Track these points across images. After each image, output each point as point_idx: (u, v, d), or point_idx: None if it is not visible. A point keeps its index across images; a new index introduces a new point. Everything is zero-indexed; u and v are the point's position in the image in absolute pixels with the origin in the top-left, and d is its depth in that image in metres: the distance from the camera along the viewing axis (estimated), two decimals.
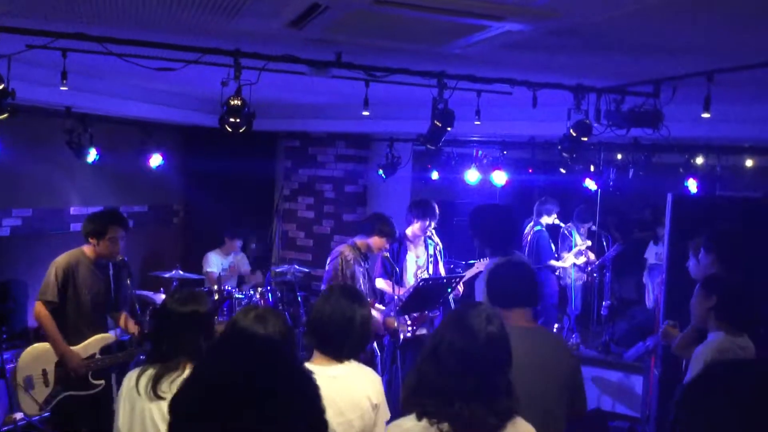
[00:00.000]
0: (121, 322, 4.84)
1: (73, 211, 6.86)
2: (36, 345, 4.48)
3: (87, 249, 4.63)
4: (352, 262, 5.54)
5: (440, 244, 6.04)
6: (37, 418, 5.64)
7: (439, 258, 6.01)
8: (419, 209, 5.91)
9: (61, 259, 4.55)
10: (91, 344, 4.54)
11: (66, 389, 4.46)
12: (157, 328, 2.94)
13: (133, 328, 4.80)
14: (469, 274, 5.88)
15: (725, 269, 4.07)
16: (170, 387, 2.69)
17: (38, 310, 4.50)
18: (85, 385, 4.49)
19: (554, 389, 2.98)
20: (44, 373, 4.41)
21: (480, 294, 4.00)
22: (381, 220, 5.67)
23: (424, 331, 5.72)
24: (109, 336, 4.66)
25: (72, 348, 4.47)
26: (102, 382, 4.61)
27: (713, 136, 6.30)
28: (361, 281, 5.58)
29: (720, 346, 3.49)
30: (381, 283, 5.90)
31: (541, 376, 2.91)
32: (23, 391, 4.35)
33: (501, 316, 2.36)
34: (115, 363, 4.62)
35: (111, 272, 4.70)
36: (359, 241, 5.68)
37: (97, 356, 4.56)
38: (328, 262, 5.68)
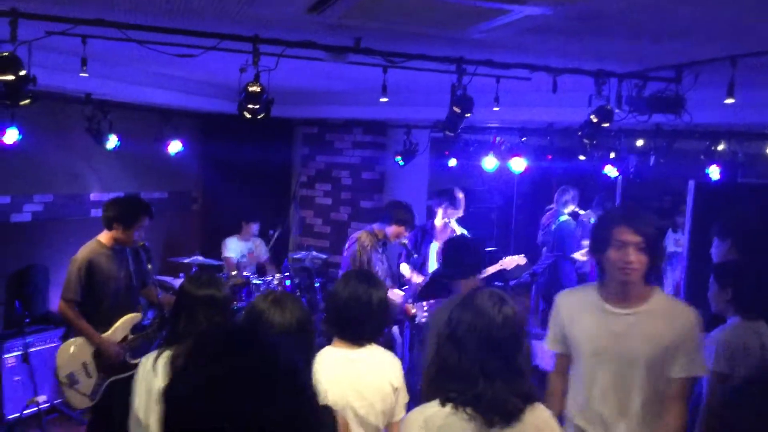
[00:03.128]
0: (151, 297, 4.90)
1: (93, 197, 6.92)
2: (68, 341, 4.51)
3: (103, 237, 4.62)
4: (369, 248, 5.55)
5: (458, 230, 6.02)
6: (59, 401, 5.75)
7: None
8: (439, 198, 5.91)
9: (82, 257, 4.52)
10: (121, 327, 4.57)
11: (110, 375, 4.50)
12: (174, 310, 2.96)
13: (160, 298, 4.86)
14: (492, 269, 5.86)
15: (742, 255, 4.04)
16: None
17: (62, 308, 4.52)
18: (126, 367, 4.53)
19: None
20: (84, 365, 4.46)
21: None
22: (399, 209, 5.65)
23: None
24: (136, 315, 4.70)
25: (104, 336, 4.51)
26: (141, 360, 4.66)
27: (736, 122, 6.21)
28: (378, 267, 5.59)
29: (735, 331, 3.50)
30: (405, 269, 5.91)
31: None
32: (69, 387, 4.39)
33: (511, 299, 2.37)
34: (147, 339, 4.66)
35: (128, 252, 4.73)
36: (377, 228, 5.68)
37: (129, 337, 4.61)
38: (345, 248, 5.70)
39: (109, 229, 4.60)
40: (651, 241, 2.78)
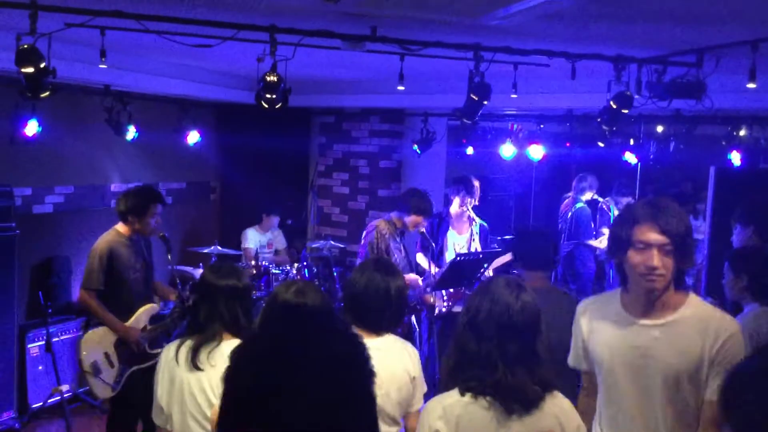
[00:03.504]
0: (161, 292, 4.94)
1: (113, 188, 6.99)
2: (91, 332, 4.56)
3: (121, 228, 4.65)
4: (387, 236, 5.55)
5: (478, 219, 6.00)
6: (82, 390, 5.83)
7: (475, 235, 5.98)
8: (457, 186, 5.89)
9: (102, 245, 4.56)
10: (140, 317, 4.62)
11: (131, 365, 4.56)
12: (195, 300, 2.98)
13: (169, 293, 4.89)
14: (506, 257, 5.83)
15: (764, 241, 4.00)
16: (207, 358, 2.74)
17: (84, 298, 4.55)
18: (146, 357, 4.58)
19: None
20: (107, 355, 4.51)
21: None
22: (417, 198, 5.62)
23: (459, 308, 5.71)
24: (154, 306, 4.75)
25: (126, 325, 4.56)
26: (160, 350, 4.71)
27: (758, 107, 6.12)
28: (396, 256, 5.59)
29: (756, 319, 3.46)
30: (421, 259, 5.90)
31: (555, 334, 2.93)
32: (93, 377, 4.45)
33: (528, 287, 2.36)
34: (166, 330, 4.71)
35: (143, 244, 4.78)
36: (395, 217, 5.67)
37: (148, 327, 4.66)
38: (363, 236, 5.70)
39: (125, 222, 4.63)
40: (679, 242, 2.35)
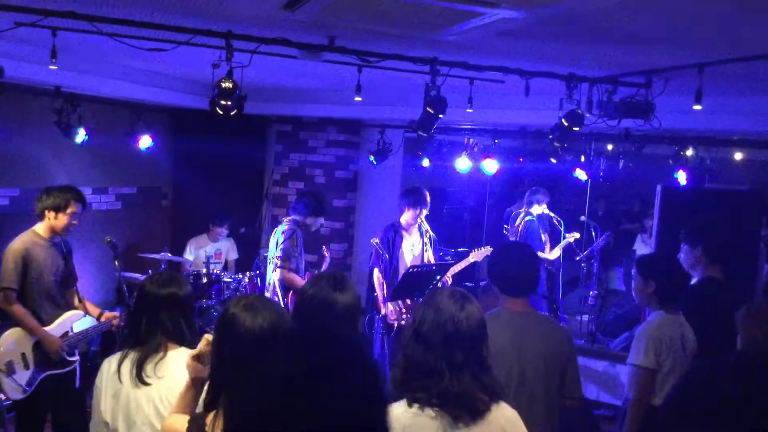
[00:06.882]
0: (77, 304, 4.77)
1: None
2: (12, 330, 4.42)
3: (39, 228, 4.53)
4: (300, 237, 5.79)
5: (431, 231, 6.05)
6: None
7: (428, 245, 6.01)
8: (410, 198, 5.92)
9: (17, 245, 4.44)
10: (64, 323, 4.52)
11: (46, 369, 4.45)
12: (136, 311, 2.91)
13: (91, 309, 4.76)
14: (462, 264, 5.89)
15: (712, 261, 4.11)
16: (154, 370, 2.68)
17: (2, 300, 4.39)
18: (62, 363, 4.49)
19: (545, 374, 3.07)
20: (23, 356, 4.38)
21: None
22: (313, 199, 5.87)
23: None
24: (78, 312, 4.64)
25: (46, 329, 4.44)
26: (77, 358, 4.61)
27: (704, 128, 6.33)
28: (301, 257, 5.86)
29: (661, 326, 3.55)
30: (377, 274, 5.88)
31: (532, 360, 3.03)
32: (5, 375, 4.32)
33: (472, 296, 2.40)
34: (87, 338, 4.60)
35: (63, 249, 4.65)
36: (298, 218, 5.86)
37: (70, 333, 4.55)
38: (282, 234, 5.78)
39: (41, 218, 4.51)
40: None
